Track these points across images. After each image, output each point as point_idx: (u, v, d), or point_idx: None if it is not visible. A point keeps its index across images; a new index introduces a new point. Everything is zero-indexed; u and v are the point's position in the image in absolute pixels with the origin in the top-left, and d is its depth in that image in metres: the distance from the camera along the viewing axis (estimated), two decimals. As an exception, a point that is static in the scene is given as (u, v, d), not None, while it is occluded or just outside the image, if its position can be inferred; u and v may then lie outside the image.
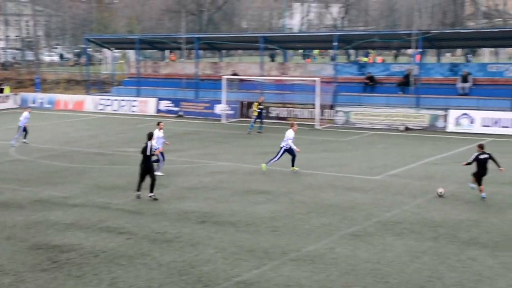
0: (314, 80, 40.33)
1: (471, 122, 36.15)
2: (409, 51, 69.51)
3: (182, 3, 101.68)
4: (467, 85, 40.13)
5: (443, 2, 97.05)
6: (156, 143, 23.96)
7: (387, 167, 26.33)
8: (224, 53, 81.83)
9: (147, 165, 21.00)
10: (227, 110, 43.73)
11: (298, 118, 40.38)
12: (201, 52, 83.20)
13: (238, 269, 14.50)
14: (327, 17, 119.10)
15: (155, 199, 20.87)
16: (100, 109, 50.46)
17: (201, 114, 45.47)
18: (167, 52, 72.77)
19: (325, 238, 16.71)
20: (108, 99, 50.78)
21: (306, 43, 51.66)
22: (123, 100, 49.95)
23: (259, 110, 37.43)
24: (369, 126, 38.78)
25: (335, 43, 42.90)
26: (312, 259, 15.13)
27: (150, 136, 21.33)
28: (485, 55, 69.00)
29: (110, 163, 28.33)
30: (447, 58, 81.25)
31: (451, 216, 18.63)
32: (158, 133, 24.86)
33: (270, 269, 14.46)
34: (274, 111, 42.61)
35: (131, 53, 75.98)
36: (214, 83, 48.97)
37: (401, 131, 37.18)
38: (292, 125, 26.01)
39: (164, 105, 47.50)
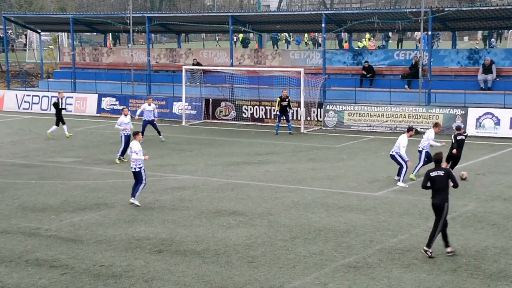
0: (298, 72, 40.45)
1: (496, 124, 36.50)
2: (417, 34, 70.27)
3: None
4: (490, 77, 40.54)
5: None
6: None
7: (390, 180, 26.44)
8: (183, 38, 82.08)
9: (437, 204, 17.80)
10: (188, 109, 43.64)
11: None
12: (154, 36, 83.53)
13: (206, 312, 14.46)
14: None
15: (451, 253, 17.75)
16: (25, 108, 50.08)
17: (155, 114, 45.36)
18: (111, 35, 72.59)
19: (315, 271, 16.71)
20: (36, 96, 50.41)
21: (287, 25, 51.80)
22: (54, 96, 49.57)
23: (285, 104, 38.35)
24: (368, 129, 38.95)
25: (324, 25, 43.07)
26: (299, 297, 15.13)
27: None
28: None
29: (39, 177, 28.07)
30: (465, 43, 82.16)
31: (473, 242, 18.73)
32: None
33: (247, 311, 14.45)
34: (248, 111, 42.68)
35: (64, 37, 75.66)
36: (171, 75, 48.89)
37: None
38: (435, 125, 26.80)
39: (108, 102, 47.29)
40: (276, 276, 16.38)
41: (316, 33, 75.57)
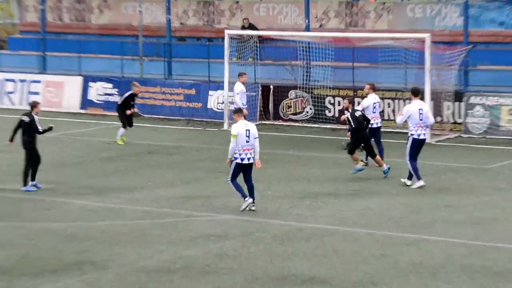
0: (421, 40, 40.20)
1: None
2: None
3: None
4: None
5: None
6: None
7: None
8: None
9: None
10: (234, 103, 43.42)
11: (384, 121, 39.73)
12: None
13: None
14: None
15: None
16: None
17: (179, 110, 45.67)
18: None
19: None
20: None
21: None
22: (10, 79, 50.07)
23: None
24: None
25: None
26: None
27: None
28: None
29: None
30: None
31: None
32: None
33: None
34: (335, 106, 42.41)
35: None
36: (205, 45, 48.97)
37: None
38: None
39: (100, 91, 47.53)
40: None
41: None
